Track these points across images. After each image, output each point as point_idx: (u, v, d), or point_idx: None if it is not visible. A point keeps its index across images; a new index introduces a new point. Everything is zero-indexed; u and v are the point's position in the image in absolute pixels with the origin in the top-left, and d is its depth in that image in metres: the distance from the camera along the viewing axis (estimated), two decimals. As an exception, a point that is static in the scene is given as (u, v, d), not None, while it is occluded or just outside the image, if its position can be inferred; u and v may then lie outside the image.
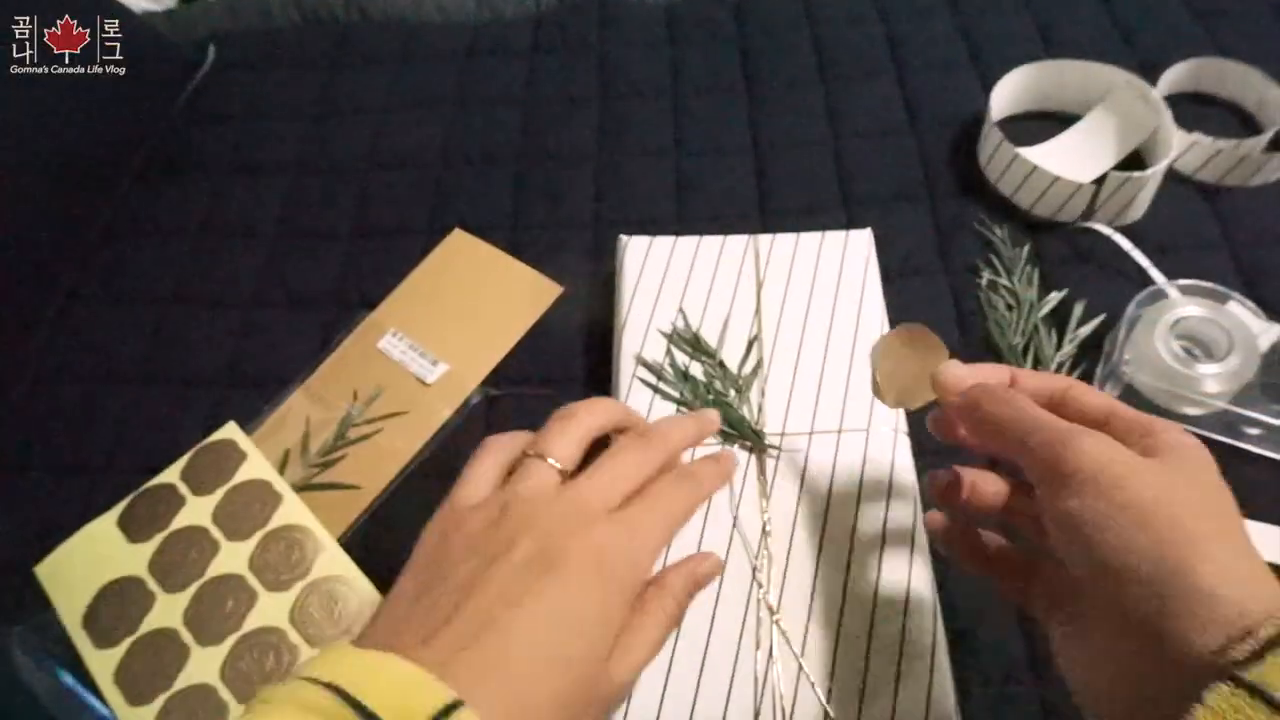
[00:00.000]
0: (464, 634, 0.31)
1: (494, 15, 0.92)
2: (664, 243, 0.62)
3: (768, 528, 0.50)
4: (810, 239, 0.61)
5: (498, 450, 0.39)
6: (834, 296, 0.58)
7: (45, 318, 0.69)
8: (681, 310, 0.59)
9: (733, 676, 0.46)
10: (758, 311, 0.58)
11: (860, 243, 0.61)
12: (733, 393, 0.55)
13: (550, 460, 0.38)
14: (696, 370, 0.56)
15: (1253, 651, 0.26)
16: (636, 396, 0.55)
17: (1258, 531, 0.52)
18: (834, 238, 0.61)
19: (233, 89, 0.86)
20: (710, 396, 0.55)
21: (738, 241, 0.62)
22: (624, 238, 0.63)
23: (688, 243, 0.62)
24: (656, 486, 0.38)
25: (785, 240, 0.61)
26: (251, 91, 0.86)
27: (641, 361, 0.57)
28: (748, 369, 0.56)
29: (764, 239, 0.62)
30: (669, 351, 0.57)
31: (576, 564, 0.33)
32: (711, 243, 0.62)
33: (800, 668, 0.46)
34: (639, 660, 0.35)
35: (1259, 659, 0.25)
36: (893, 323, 0.59)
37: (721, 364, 0.56)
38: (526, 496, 0.36)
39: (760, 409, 0.54)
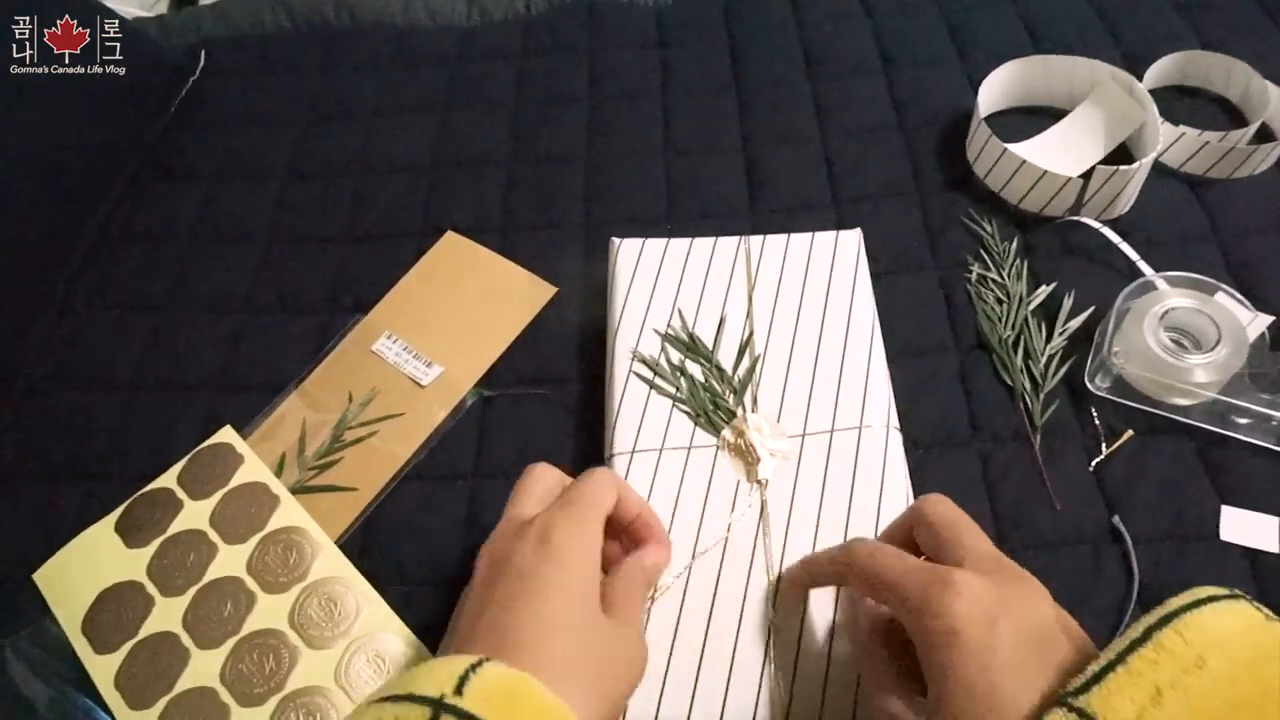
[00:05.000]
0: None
1: (484, 18, 0.92)
2: (656, 245, 0.62)
3: (763, 528, 0.50)
4: (800, 240, 0.62)
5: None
6: (825, 297, 0.59)
7: (40, 324, 0.69)
8: (679, 310, 0.59)
9: (729, 676, 0.46)
10: (749, 313, 0.59)
11: (850, 243, 0.61)
12: (729, 395, 0.55)
13: None
14: (693, 370, 0.56)
15: (1083, 683, 0.30)
16: (633, 393, 0.55)
17: (1248, 520, 0.53)
18: (824, 239, 0.62)
19: (224, 94, 0.86)
20: (707, 396, 0.55)
21: (729, 243, 0.62)
22: (615, 240, 0.63)
23: (679, 245, 0.62)
24: None
25: (776, 242, 0.62)
26: (243, 96, 0.86)
27: (638, 357, 0.57)
28: (742, 371, 0.56)
29: (755, 240, 0.62)
30: (663, 350, 0.57)
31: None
32: (703, 245, 0.62)
33: (795, 666, 0.46)
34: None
35: (1086, 689, 0.30)
36: (883, 321, 0.59)
37: (718, 366, 0.56)
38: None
39: (754, 410, 0.55)
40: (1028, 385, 0.59)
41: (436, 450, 0.60)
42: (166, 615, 0.53)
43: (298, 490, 0.58)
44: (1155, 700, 0.28)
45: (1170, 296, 0.59)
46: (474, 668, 0.33)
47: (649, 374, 0.56)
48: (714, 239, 0.62)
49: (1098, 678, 0.30)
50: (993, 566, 0.37)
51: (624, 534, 0.47)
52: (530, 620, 0.37)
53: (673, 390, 0.56)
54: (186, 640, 0.52)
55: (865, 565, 0.41)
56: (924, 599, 0.36)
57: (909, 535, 0.42)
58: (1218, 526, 0.53)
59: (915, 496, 0.52)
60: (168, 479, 0.59)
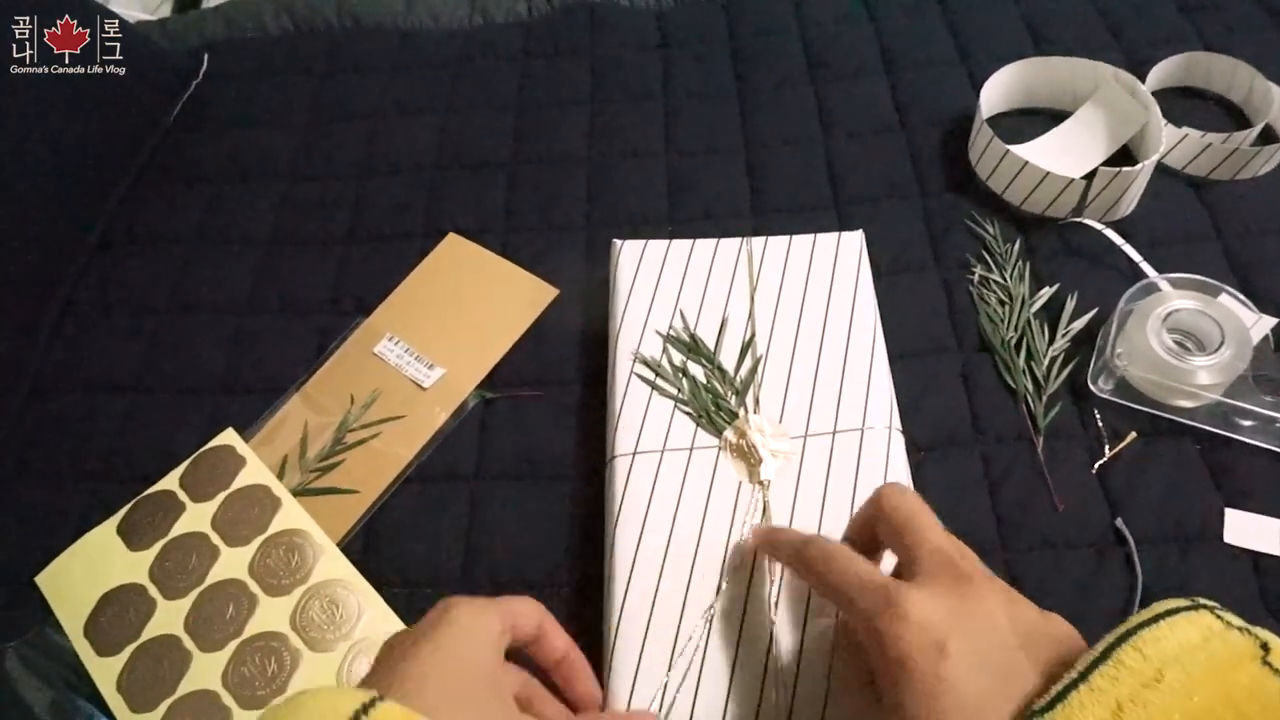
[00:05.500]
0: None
1: (485, 20, 0.92)
2: (658, 246, 0.62)
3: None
4: (802, 242, 0.62)
5: None
6: (827, 299, 0.59)
7: (42, 327, 0.69)
8: (680, 311, 0.59)
9: (732, 676, 0.46)
10: (751, 315, 0.59)
11: (852, 245, 0.61)
12: (731, 396, 0.55)
13: None
14: (695, 371, 0.56)
15: (1049, 701, 0.31)
16: (634, 395, 0.55)
17: (1252, 522, 0.53)
18: (826, 240, 0.62)
19: (227, 97, 0.87)
20: (709, 397, 0.55)
21: (731, 245, 0.62)
22: (617, 242, 0.63)
23: (681, 246, 0.62)
24: None
25: (778, 243, 0.62)
26: (245, 99, 0.86)
27: (640, 358, 0.57)
28: (744, 372, 0.56)
29: (757, 242, 0.62)
30: (665, 352, 0.57)
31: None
32: (705, 246, 0.62)
33: (798, 670, 0.46)
34: None
35: (1051, 707, 0.30)
36: (884, 322, 0.59)
37: (720, 367, 0.56)
38: None
39: (756, 411, 0.55)
40: (1030, 387, 0.59)
41: (438, 452, 0.60)
42: (168, 618, 0.53)
43: (299, 492, 0.58)
44: (1116, 716, 0.29)
45: (1173, 298, 0.58)
46: (367, 707, 0.31)
47: (651, 375, 0.56)
48: (716, 240, 0.62)
49: (1062, 695, 0.30)
50: (946, 567, 0.37)
51: (551, 675, 0.45)
52: (419, 668, 0.36)
53: (674, 391, 0.56)
54: (188, 643, 0.52)
55: (818, 570, 0.40)
56: (872, 624, 0.36)
57: (871, 526, 0.42)
58: (1221, 529, 0.53)
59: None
60: (170, 481, 0.59)
